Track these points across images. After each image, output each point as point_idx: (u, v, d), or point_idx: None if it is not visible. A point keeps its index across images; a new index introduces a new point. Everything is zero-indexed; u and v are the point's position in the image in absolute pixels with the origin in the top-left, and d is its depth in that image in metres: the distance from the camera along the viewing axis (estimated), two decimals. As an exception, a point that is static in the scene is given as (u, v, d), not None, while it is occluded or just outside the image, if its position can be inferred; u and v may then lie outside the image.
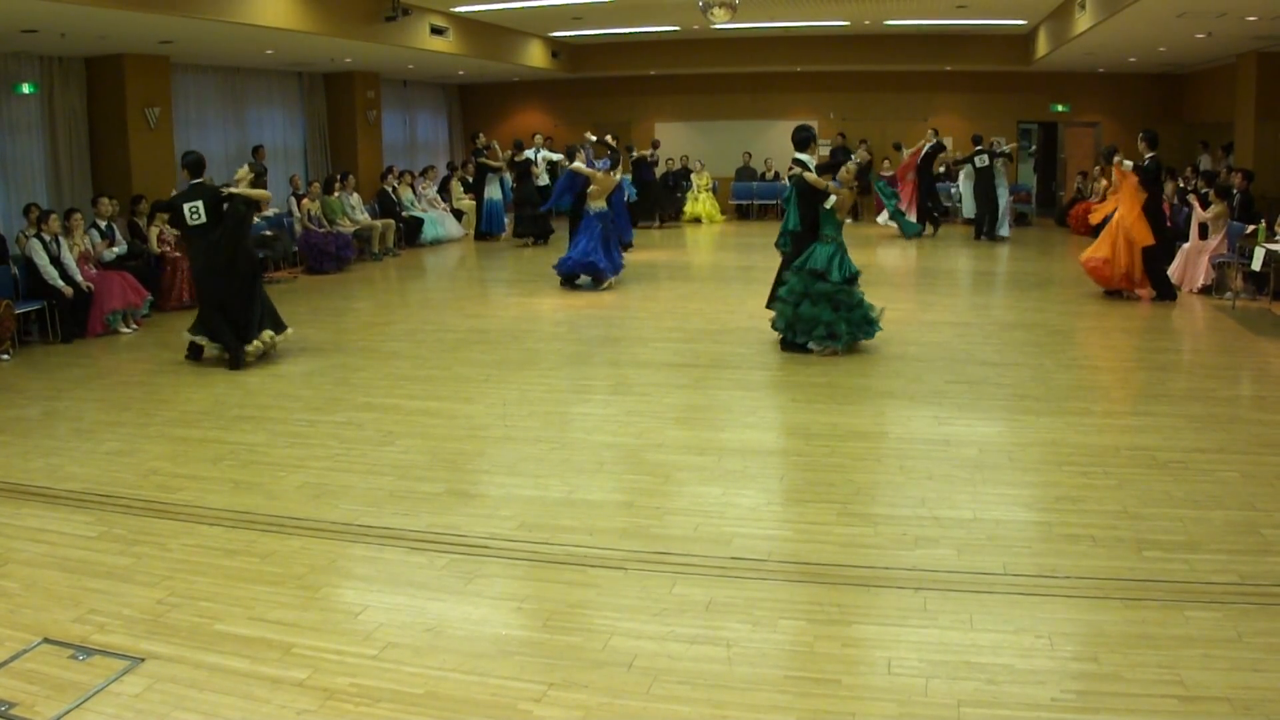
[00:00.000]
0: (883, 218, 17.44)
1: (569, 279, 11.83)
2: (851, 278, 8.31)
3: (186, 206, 8.28)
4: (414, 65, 16.81)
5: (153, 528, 4.90)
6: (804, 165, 8.52)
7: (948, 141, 19.98)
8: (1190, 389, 7.23)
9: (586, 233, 11.68)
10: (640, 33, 17.68)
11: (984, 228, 16.12)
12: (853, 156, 9.91)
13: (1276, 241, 9.83)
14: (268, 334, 8.45)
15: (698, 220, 19.58)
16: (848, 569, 4.30)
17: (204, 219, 8.26)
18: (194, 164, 8.52)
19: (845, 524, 4.79)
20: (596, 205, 11.65)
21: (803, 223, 8.41)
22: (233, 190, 8.49)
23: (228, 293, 8.29)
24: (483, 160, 17.01)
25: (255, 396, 7.42)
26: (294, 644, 3.71)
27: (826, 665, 3.53)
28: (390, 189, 16.28)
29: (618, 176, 12.44)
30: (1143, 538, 4.52)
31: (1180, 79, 18.36)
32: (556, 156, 16.27)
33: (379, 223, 15.34)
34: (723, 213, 20.10)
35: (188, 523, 4.96)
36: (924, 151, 16.75)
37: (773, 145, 20.54)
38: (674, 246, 16.37)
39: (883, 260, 14.20)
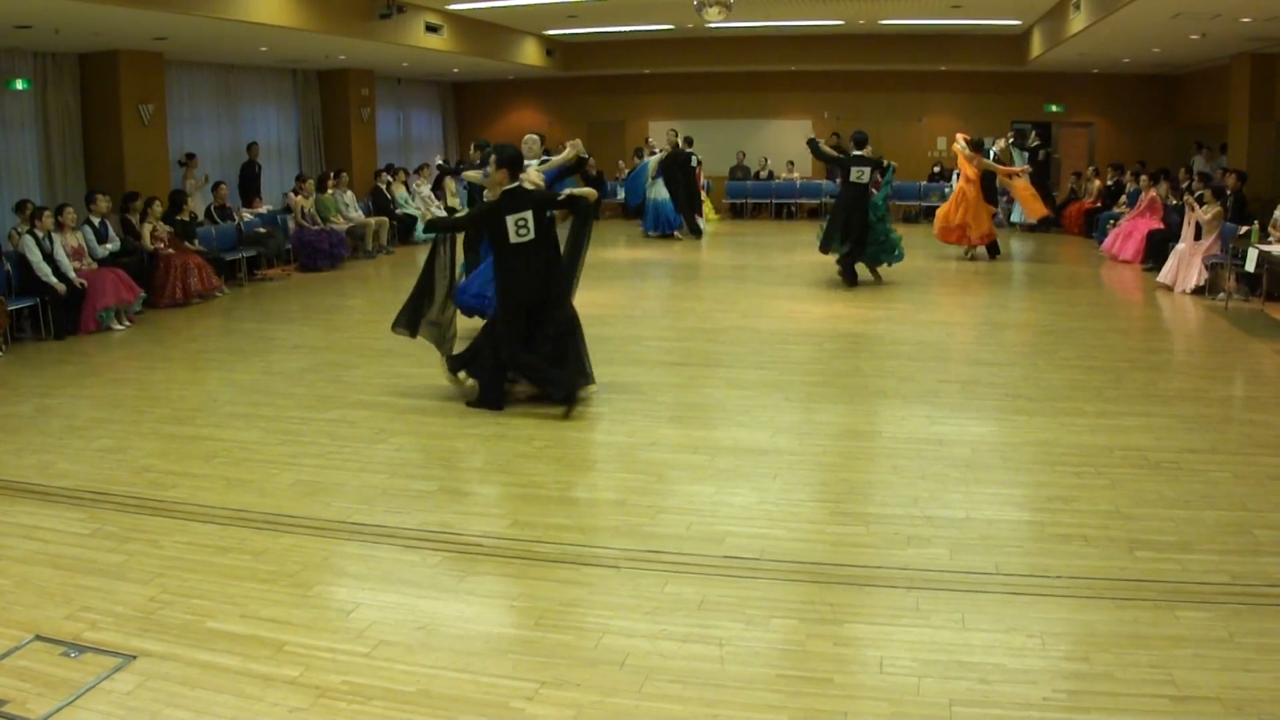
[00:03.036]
0: None
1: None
2: (881, 216, 11.83)
3: (512, 219, 6.52)
4: (408, 63, 16.77)
5: (145, 525, 4.89)
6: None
7: (941, 143, 20.04)
8: (1183, 389, 7.25)
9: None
10: (635, 31, 17.67)
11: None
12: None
13: (1270, 242, 9.86)
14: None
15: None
16: (840, 568, 4.31)
17: (531, 233, 6.57)
18: (512, 159, 6.69)
19: (838, 523, 4.80)
20: None
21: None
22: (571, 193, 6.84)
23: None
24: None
25: (248, 394, 7.41)
26: (286, 642, 3.71)
27: (819, 664, 3.53)
28: (384, 186, 16.28)
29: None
30: (1135, 538, 4.53)
31: (1174, 80, 18.40)
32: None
33: (372, 220, 15.32)
34: (716, 211, 20.08)
35: (180, 520, 4.94)
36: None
37: (767, 144, 20.56)
38: (666, 245, 16.34)
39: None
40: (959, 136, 14.32)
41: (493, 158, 6.72)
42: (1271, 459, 5.60)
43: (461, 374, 7.00)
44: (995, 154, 15.66)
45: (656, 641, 3.69)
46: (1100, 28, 11.59)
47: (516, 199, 6.52)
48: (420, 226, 16.32)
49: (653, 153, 17.47)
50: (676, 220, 16.91)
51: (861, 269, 11.85)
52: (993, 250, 13.89)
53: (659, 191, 16.88)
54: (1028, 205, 15.02)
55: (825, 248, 11.95)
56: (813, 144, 12.30)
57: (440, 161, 10.44)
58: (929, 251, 14.17)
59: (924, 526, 4.71)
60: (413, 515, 4.96)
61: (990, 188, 14.70)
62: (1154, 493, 5.10)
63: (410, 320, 7.11)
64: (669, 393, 7.24)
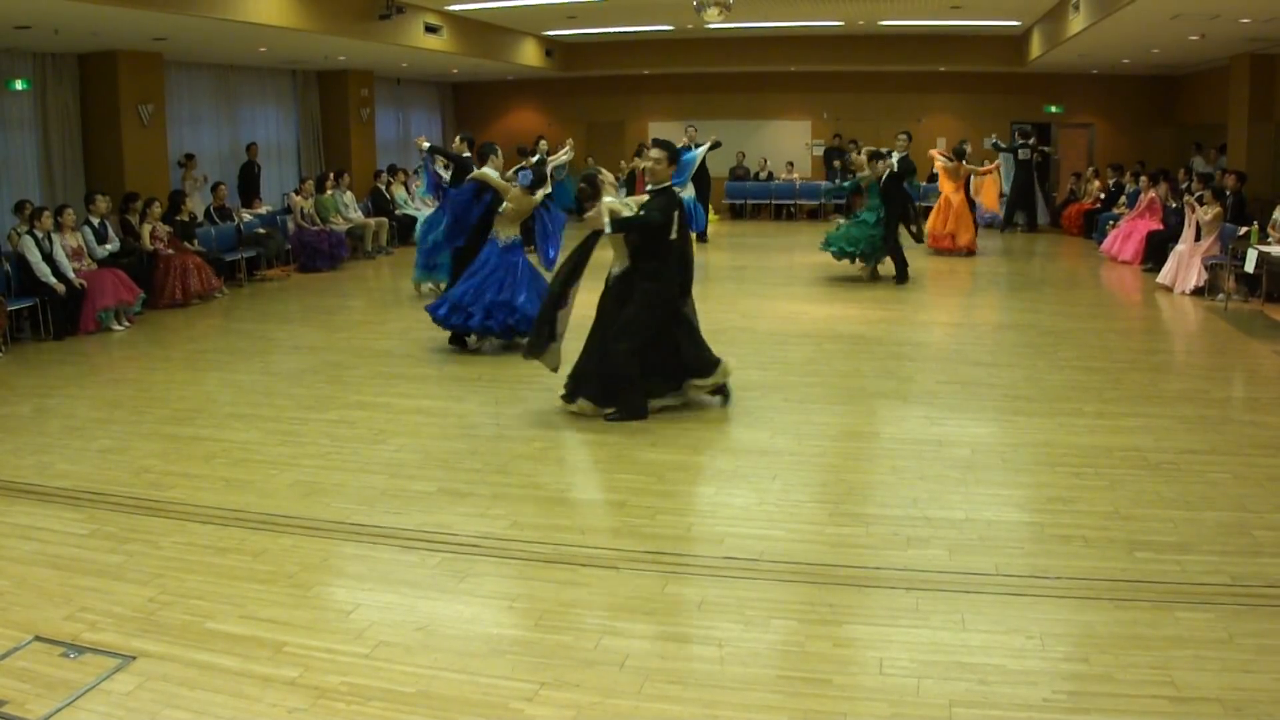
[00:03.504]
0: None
1: (460, 336, 8.57)
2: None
3: (677, 215, 6.53)
4: (408, 63, 16.78)
5: (144, 525, 4.89)
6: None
7: (941, 142, 20.05)
8: (1182, 390, 7.25)
9: (501, 271, 8.20)
10: (634, 32, 17.66)
11: (1013, 220, 17.43)
12: (847, 155, 13.55)
13: (1269, 243, 9.86)
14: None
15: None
16: (840, 569, 4.31)
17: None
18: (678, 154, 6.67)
19: (837, 524, 4.80)
20: (507, 234, 8.33)
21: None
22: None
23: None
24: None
25: (247, 394, 7.40)
26: (285, 642, 3.71)
27: (818, 665, 3.53)
28: (384, 187, 16.27)
29: (538, 196, 8.49)
30: (1134, 539, 4.53)
31: (1173, 80, 18.41)
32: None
33: (372, 221, 15.32)
34: (716, 212, 20.06)
35: (179, 520, 4.94)
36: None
37: (766, 145, 20.57)
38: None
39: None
40: (934, 154, 15.20)
41: (656, 152, 6.52)
42: (1271, 460, 5.61)
43: (581, 401, 6.58)
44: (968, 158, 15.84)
45: (656, 642, 3.69)
46: (1099, 29, 11.59)
47: (674, 195, 6.56)
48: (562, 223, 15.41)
49: (697, 145, 16.70)
50: (703, 222, 16.52)
51: (851, 265, 12.05)
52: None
53: (688, 190, 16.45)
54: (986, 195, 16.57)
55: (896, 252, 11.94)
56: (907, 167, 12.00)
57: (427, 144, 10.13)
58: (927, 251, 14.17)
59: (923, 527, 4.71)
60: (412, 516, 4.96)
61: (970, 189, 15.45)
62: (1153, 494, 5.10)
63: (550, 335, 6.65)
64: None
